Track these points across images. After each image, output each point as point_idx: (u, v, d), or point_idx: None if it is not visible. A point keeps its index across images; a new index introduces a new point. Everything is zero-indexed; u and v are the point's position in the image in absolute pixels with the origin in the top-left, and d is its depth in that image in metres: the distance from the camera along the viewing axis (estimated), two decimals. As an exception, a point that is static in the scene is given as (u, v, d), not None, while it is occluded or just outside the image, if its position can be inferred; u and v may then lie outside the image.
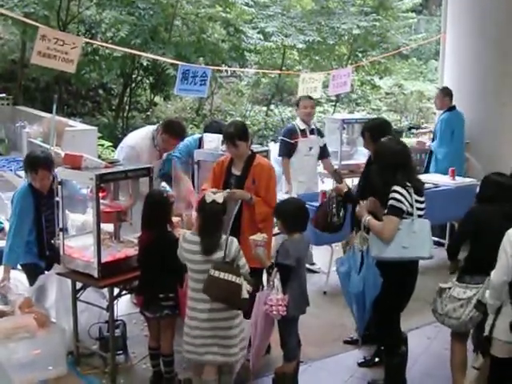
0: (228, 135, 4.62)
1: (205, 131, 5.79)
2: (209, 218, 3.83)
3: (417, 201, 3.97)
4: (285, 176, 6.56)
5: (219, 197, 3.82)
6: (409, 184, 3.95)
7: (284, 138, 6.57)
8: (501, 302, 3.51)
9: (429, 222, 4.01)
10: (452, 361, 4.19)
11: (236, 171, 4.68)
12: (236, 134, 4.58)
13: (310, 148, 6.58)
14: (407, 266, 4.06)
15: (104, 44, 12.86)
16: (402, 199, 3.86)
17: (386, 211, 3.92)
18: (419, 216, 3.98)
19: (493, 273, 3.51)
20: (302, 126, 6.56)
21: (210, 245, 3.79)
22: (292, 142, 6.50)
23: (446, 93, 7.66)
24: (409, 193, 3.90)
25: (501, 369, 3.62)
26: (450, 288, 4.04)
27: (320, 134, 6.78)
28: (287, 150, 6.54)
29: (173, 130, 5.48)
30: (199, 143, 5.74)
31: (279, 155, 6.63)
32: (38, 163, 4.75)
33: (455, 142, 7.49)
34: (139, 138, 5.64)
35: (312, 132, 6.63)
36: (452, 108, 7.58)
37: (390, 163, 4.01)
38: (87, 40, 13.27)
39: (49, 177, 4.75)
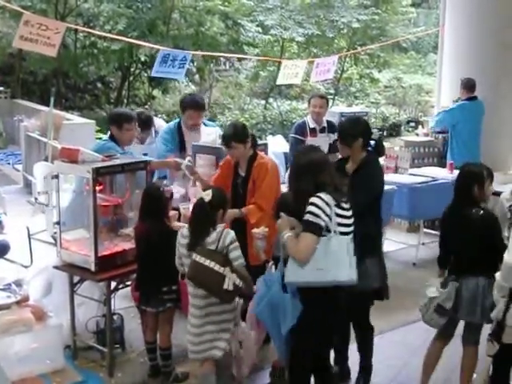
0: (225, 137, 4.53)
1: (181, 105, 5.63)
2: (195, 215, 3.82)
3: (338, 215, 3.27)
4: None
5: (207, 194, 3.80)
6: (326, 195, 3.26)
7: (296, 136, 6.35)
8: (510, 286, 3.45)
9: (348, 238, 3.30)
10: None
11: (241, 172, 4.62)
12: (232, 136, 4.47)
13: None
14: (329, 293, 3.32)
15: (103, 33, 12.83)
16: (319, 213, 3.19)
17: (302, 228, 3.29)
18: (344, 233, 3.28)
19: (506, 254, 3.46)
20: (312, 125, 6.35)
21: (196, 240, 3.75)
22: (303, 139, 6.27)
23: (461, 84, 7.57)
24: (328, 205, 3.23)
25: (510, 355, 3.63)
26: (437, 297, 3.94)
27: (332, 129, 6.35)
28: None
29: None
30: (178, 126, 5.58)
31: (291, 153, 6.36)
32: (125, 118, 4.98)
33: (468, 134, 7.45)
34: None
35: (322, 130, 6.40)
36: (470, 99, 7.49)
37: (303, 172, 3.37)
38: (79, 27, 13.18)
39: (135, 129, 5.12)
